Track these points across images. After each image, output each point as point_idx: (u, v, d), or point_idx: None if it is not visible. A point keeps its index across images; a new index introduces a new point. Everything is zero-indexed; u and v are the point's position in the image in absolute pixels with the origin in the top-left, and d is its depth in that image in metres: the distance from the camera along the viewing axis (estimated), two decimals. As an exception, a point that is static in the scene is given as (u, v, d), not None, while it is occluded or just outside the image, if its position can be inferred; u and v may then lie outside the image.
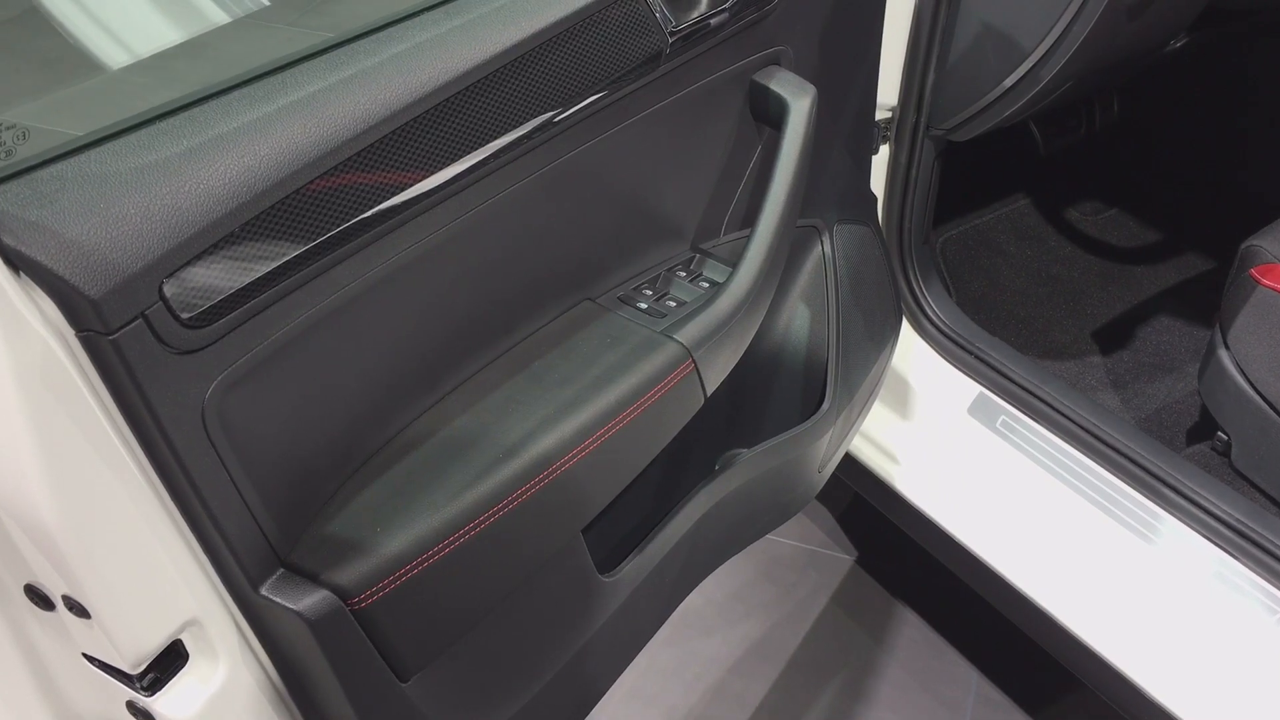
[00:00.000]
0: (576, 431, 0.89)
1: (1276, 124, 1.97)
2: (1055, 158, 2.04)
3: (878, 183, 1.58)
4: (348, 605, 0.75)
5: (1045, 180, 2.13)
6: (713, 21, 0.99)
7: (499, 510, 0.84)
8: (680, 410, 1.00)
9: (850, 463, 1.67)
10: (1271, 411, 1.39)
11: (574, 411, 0.90)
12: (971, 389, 1.59)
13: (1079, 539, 1.45)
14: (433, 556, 0.79)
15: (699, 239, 1.13)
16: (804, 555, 1.88)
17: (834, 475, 1.73)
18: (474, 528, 0.82)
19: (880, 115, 1.51)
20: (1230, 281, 1.46)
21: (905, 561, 1.85)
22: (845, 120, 1.31)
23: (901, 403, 1.65)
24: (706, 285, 1.07)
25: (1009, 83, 1.41)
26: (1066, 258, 2.01)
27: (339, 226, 0.73)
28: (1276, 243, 1.42)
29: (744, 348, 1.07)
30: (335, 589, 0.75)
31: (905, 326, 1.65)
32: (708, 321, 1.00)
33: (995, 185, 2.10)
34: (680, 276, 1.08)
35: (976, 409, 1.58)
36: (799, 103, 1.08)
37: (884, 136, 1.54)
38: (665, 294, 1.06)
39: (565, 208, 0.96)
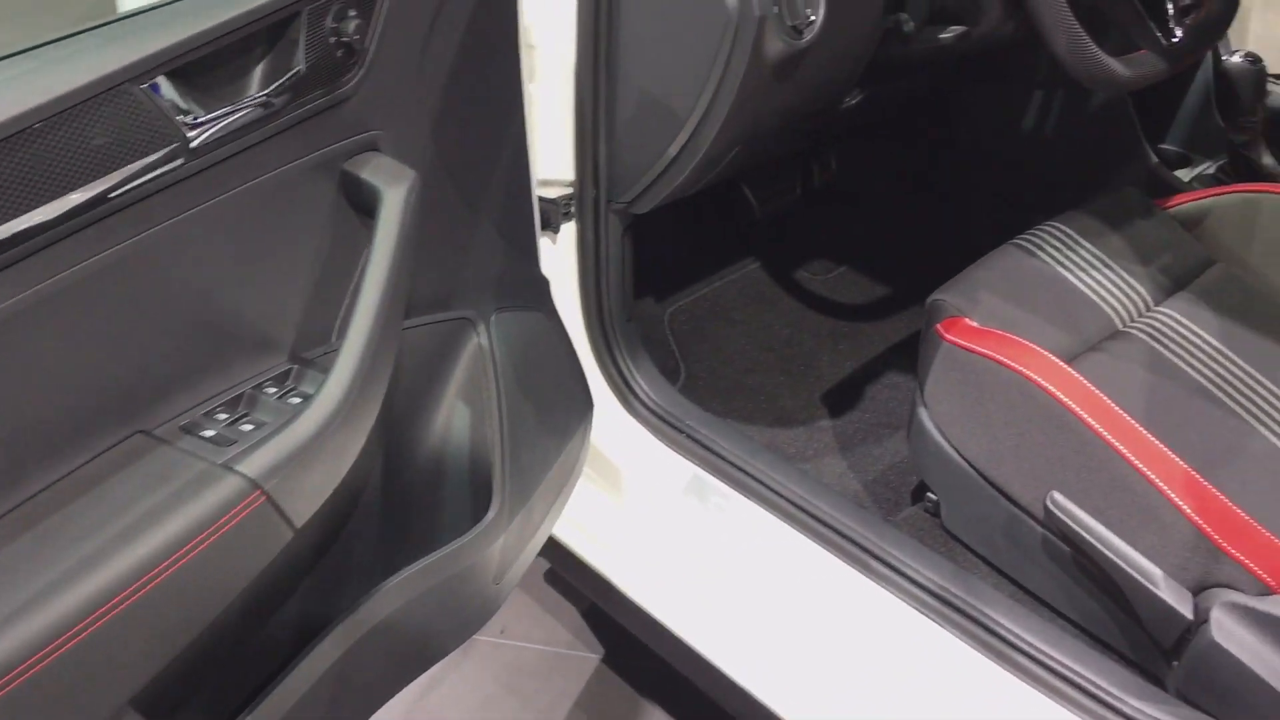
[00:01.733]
0: (89, 598, 0.75)
1: (972, 171, 1.99)
2: (778, 219, 2.01)
3: (571, 261, 1.51)
4: None
5: (774, 242, 2.10)
6: (264, 109, 0.89)
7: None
8: (254, 552, 0.87)
9: (565, 556, 1.57)
10: (971, 470, 1.35)
11: (89, 573, 0.76)
12: (686, 469, 1.51)
13: (790, 623, 1.37)
14: None
15: (301, 348, 1.02)
16: (549, 659, 1.76)
17: (555, 573, 1.63)
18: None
19: (559, 191, 1.44)
20: (922, 337, 1.43)
21: (650, 656, 1.74)
22: (492, 202, 1.22)
23: (615, 488, 1.56)
24: (299, 401, 0.95)
25: (672, 152, 1.36)
26: (797, 320, 1.97)
27: None
28: (959, 295, 1.40)
29: (344, 467, 0.95)
30: None
31: (616, 407, 1.56)
32: (284, 445, 0.88)
33: (722, 251, 2.06)
34: (269, 394, 0.96)
35: (691, 490, 1.50)
36: (393, 191, 0.98)
37: (566, 213, 1.46)
38: (244, 416, 0.93)
39: (98, 323, 0.83)
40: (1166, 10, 1.31)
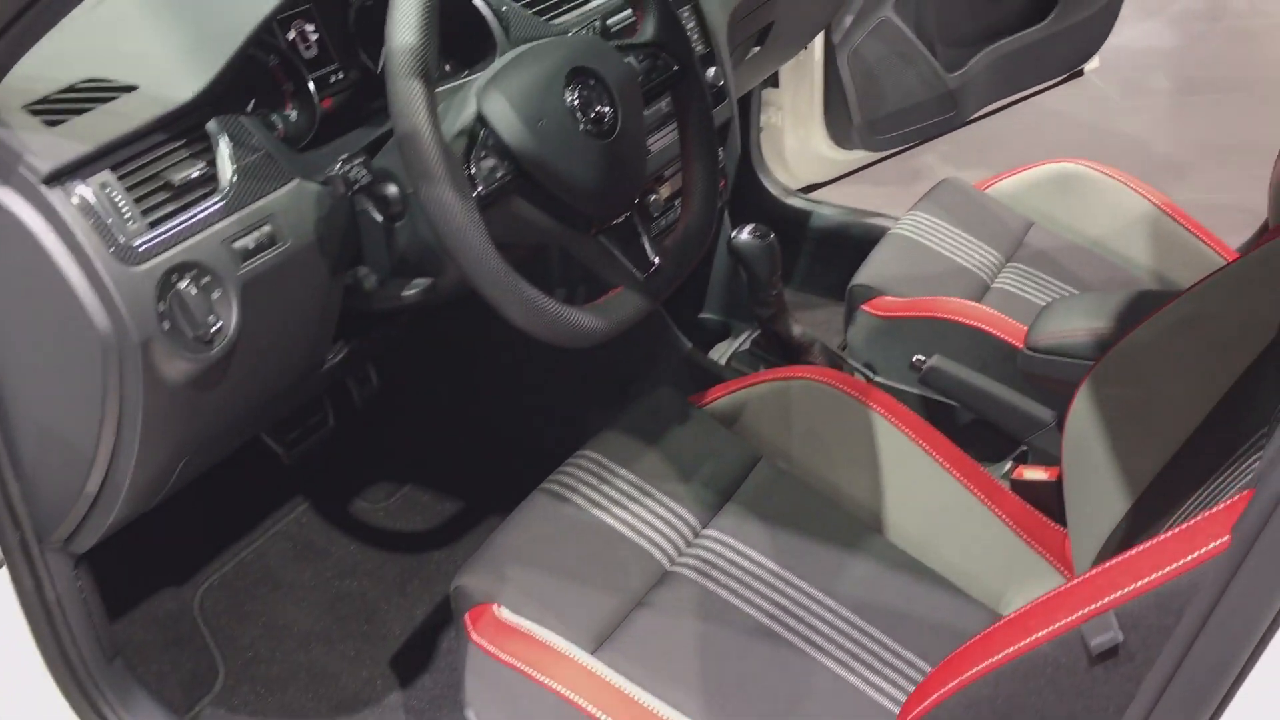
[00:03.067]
0: None
1: (515, 374, 1.86)
2: (316, 457, 1.77)
3: (13, 611, 1.20)
4: None
5: (320, 478, 1.85)
6: None
7: None
8: None
9: None
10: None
11: None
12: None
13: None
14: None
15: None
16: None
17: None
18: None
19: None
20: (455, 624, 1.24)
21: None
22: None
23: None
24: None
25: (92, 490, 1.09)
26: (356, 566, 1.73)
27: None
28: (485, 574, 1.22)
29: None
30: None
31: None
32: None
33: (256, 506, 1.79)
34: None
35: None
36: None
37: (-17, 563, 1.16)
38: None
39: None
40: (639, 239, 1.20)
